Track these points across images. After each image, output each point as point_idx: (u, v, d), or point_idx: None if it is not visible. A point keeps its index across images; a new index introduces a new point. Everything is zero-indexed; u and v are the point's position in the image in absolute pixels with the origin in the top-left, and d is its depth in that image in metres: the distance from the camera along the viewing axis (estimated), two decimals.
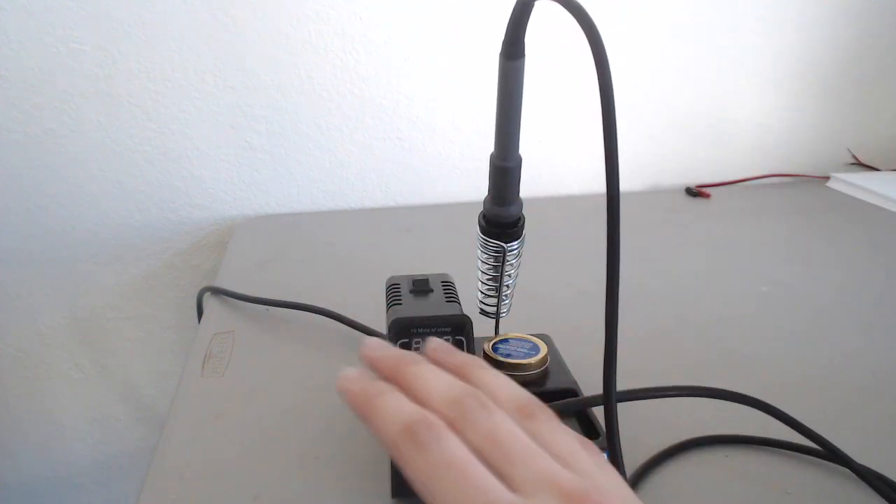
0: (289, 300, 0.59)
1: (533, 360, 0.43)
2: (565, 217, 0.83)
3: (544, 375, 0.43)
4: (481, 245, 0.42)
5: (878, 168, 0.98)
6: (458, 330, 0.36)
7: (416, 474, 0.22)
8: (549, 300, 0.61)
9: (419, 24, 0.79)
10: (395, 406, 0.24)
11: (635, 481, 0.38)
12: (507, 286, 0.43)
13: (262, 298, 0.60)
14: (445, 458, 0.22)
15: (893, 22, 0.90)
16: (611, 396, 0.32)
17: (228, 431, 0.44)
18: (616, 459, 0.33)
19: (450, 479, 0.22)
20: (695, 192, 0.90)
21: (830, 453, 0.39)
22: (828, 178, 0.94)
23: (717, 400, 0.40)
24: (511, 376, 0.42)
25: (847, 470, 0.39)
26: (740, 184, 0.95)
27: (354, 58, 0.79)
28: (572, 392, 0.42)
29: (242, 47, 0.76)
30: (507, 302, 0.44)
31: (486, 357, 0.44)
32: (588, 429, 0.39)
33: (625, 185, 0.93)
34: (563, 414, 0.41)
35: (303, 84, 0.79)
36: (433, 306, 0.39)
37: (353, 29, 0.78)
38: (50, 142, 0.77)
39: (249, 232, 0.80)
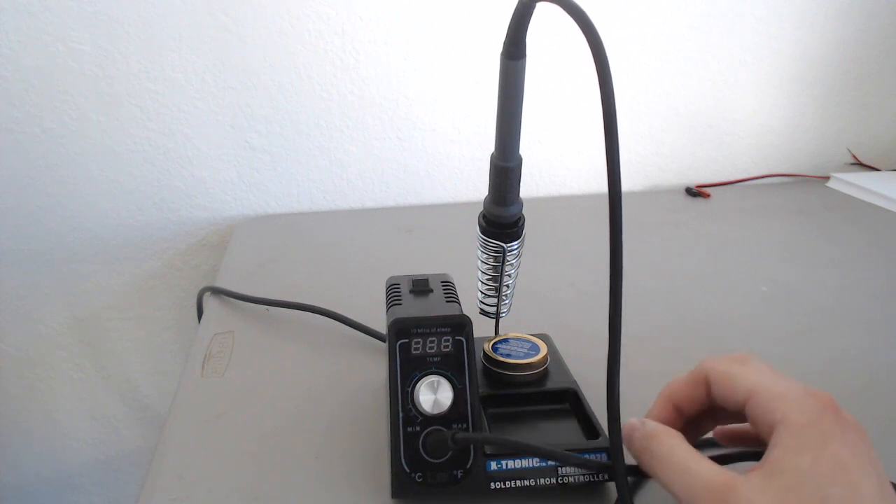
0: (289, 300, 0.59)
1: (533, 360, 0.43)
2: (565, 217, 0.83)
3: (544, 375, 0.44)
4: (481, 245, 0.42)
5: (878, 168, 0.98)
6: (458, 330, 0.36)
7: None
8: (549, 300, 0.61)
9: (419, 24, 0.79)
10: None
11: (636, 482, 0.38)
12: (507, 286, 0.43)
13: (262, 298, 0.60)
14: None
15: (893, 22, 0.90)
16: (614, 399, 0.32)
17: (228, 431, 0.44)
18: (618, 460, 0.33)
19: None
20: (695, 192, 0.90)
21: None
22: (828, 178, 0.94)
23: None
24: (511, 376, 0.43)
25: None
26: (740, 184, 0.95)
27: (354, 58, 0.79)
28: (572, 392, 0.42)
29: (242, 47, 0.76)
30: (507, 302, 0.44)
31: (486, 357, 0.44)
32: (589, 430, 0.39)
33: (625, 185, 0.93)
34: (564, 414, 0.41)
35: (303, 84, 0.79)
36: (433, 306, 0.38)
37: (353, 29, 0.78)
38: (50, 142, 0.77)
39: (249, 232, 0.79)
